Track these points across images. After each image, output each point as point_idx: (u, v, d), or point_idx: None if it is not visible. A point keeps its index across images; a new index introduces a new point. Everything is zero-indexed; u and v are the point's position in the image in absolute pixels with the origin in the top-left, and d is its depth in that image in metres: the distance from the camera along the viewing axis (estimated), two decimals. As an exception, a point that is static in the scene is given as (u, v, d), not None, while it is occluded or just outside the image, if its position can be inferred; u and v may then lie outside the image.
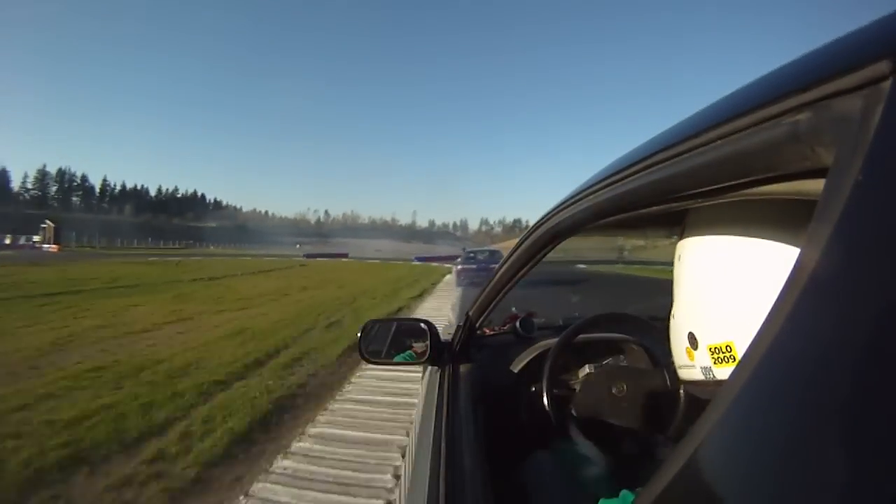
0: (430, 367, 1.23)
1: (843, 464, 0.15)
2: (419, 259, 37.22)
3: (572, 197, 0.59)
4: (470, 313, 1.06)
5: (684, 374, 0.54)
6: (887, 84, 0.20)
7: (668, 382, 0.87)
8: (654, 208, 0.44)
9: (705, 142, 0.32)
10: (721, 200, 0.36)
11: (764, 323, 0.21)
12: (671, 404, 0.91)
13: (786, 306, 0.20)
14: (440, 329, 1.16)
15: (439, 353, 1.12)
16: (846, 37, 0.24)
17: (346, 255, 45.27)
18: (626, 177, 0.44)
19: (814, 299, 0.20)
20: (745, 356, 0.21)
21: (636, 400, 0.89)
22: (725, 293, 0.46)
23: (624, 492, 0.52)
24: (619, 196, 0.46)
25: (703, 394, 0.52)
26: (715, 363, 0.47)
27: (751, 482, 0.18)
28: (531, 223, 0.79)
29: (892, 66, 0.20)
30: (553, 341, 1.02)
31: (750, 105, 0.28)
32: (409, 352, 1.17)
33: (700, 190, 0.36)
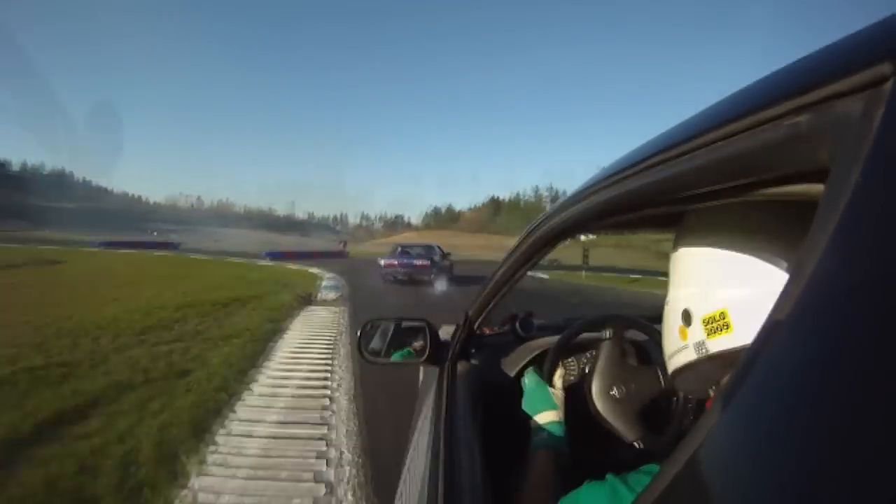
0: (428, 367, 1.24)
1: (844, 463, 0.15)
2: (273, 256, 23.65)
3: (573, 197, 0.59)
4: (469, 313, 1.06)
5: (676, 360, 0.54)
6: (888, 86, 0.20)
7: (667, 383, 0.89)
8: (656, 209, 0.44)
9: (706, 143, 0.32)
10: (721, 202, 0.36)
11: (764, 323, 0.21)
12: (670, 405, 0.92)
13: (786, 307, 0.20)
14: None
15: (438, 352, 1.12)
16: (847, 39, 0.24)
17: (172, 246, 32.45)
18: (627, 177, 0.44)
19: (813, 301, 0.20)
20: (745, 356, 0.21)
21: (635, 401, 0.89)
22: (721, 271, 0.48)
23: (609, 475, 0.53)
24: (620, 196, 0.46)
25: (695, 378, 0.53)
26: (709, 335, 0.48)
27: (751, 482, 0.18)
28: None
29: (893, 69, 0.20)
30: (552, 341, 1.02)
31: (751, 106, 0.28)
32: (409, 351, 1.18)
33: (700, 191, 0.36)
